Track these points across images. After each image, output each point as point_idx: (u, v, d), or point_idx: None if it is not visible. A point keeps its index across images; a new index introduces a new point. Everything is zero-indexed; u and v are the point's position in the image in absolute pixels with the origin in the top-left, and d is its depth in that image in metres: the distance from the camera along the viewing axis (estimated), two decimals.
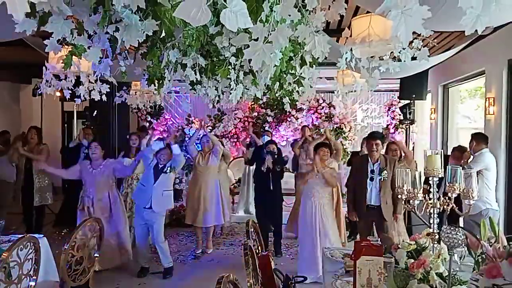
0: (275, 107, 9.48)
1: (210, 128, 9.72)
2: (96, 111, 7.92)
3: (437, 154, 2.36)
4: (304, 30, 2.16)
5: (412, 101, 7.32)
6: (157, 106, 9.08)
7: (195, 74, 3.29)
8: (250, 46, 1.88)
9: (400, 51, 3.43)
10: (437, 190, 2.38)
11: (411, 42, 3.46)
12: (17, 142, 6.11)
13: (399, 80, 7.03)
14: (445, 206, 2.33)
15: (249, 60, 2.71)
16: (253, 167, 7.12)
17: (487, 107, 5.07)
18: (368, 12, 3.52)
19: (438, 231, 2.35)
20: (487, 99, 5.09)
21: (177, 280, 4.76)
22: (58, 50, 2.55)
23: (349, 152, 8.76)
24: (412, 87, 6.80)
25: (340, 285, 2.36)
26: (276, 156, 5.53)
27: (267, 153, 5.54)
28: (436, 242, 2.34)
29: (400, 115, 8.91)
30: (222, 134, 9.50)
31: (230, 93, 4.34)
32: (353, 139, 9.42)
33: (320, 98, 9.51)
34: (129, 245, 5.10)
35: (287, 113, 9.35)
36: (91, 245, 3.08)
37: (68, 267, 2.83)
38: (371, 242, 1.99)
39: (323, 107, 9.45)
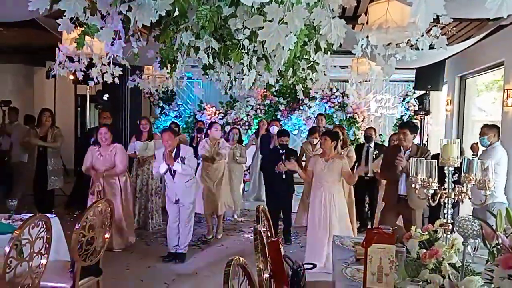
0: (287, 95, 9.41)
1: (222, 115, 9.71)
2: (107, 94, 7.95)
3: (453, 143, 2.31)
4: (320, 13, 2.11)
5: (427, 92, 7.20)
6: (169, 91, 9.07)
7: (208, 57, 3.25)
8: (265, 27, 1.84)
9: (418, 38, 3.35)
10: (453, 180, 2.33)
11: (429, 30, 3.38)
12: (31, 136, 6.19)
13: (415, 70, 6.90)
14: (459, 197, 2.28)
15: (263, 44, 2.68)
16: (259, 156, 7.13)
17: (505, 99, 4.96)
18: None
19: (451, 221, 2.31)
20: (506, 90, 4.97)
21: (186, 265, 4.78)
22: (71, 30, 2.54)
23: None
24: (428, 77, 6.67)
25: (350, 273, 2.33)
26: (288, 149, 5.47)
27: (281, 151, 5.43)
28: (449, 233, 2.30)
29: (414, 106, 8.79)
30: (234, 121, 9.47)
31: (243, 79, 4.29)
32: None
33: (334, 87, 9.40)
34: (133, 228, 5.20)
35: (300, 102, 9.28)
36: (102, 225, 3.09)
37: (79, 247, 2.85)
38: (383, 230, 1.96)
39: (336, 96, 9.35)
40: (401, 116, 9.31)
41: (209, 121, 9.61)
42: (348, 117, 9.33)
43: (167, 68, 3.58)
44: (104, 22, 2.51)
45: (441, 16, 3.19)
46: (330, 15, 2.19)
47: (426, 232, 2.41)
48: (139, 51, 3.41)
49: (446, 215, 2.30)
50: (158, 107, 10.08)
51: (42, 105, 8.17)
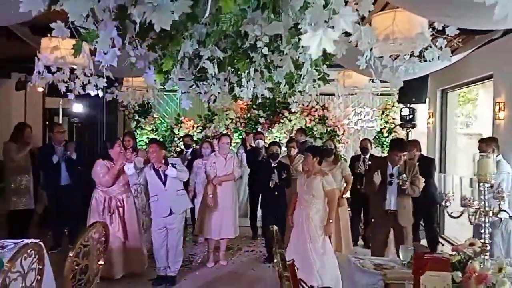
0: (267, 108, 9.25)
1: (201, 128, 9.44)
2: (81, 106, 7.62)
3: (488, 158, 2.18)
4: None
5: (410, 105, 7.21)
6: (148, 104, 8.74)
7: (213, 67, 3.04)
8: (309, 31, 1.65)
9: (427, 49, 3.28)
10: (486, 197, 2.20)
11: (435, 41, 3.31)
12: None
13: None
14: (497, 214, 2.15)
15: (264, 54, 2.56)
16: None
17: (497, 112, 4.96)
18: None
19: (489, 241, 2.18)
20: (497, 103, 4.98)
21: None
22: (65, 36, 2.33)
23: (343, 156, 8.60)
24: (412, 90, 6.65)
25: None
26: (280, 163, 5.30)
27: (273, 166, 5.24)
28: (486, 254, 2.16)
29: (394, 119, 8.85)
30: (213, 135, 9.22)
31: (231, 90, 4.16)
32: (346, 143, 9.30)
33: (313, 100, 9.31)
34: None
35: (280, 115, 9.17)
36: (96, 251, 2.79)
37: (71, 277, 2.53)
38: (435, 255, 1.79)
39: (316, 109, 9.29)
40: (381, 129, 9.33)
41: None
42: (328, 130, 9.26)
43: (164, 80, 3.35)
44: (97, 28, 2.30)
45: (447, 27, 3.14)
46: (360, 22, 2.04)
47: (456, 253, 2.27)
48: (131, 61, 3.17)
49: (484, 235, 2.16)
50: (133, 120, 9.68)
51: (7, 120, 7.69)
